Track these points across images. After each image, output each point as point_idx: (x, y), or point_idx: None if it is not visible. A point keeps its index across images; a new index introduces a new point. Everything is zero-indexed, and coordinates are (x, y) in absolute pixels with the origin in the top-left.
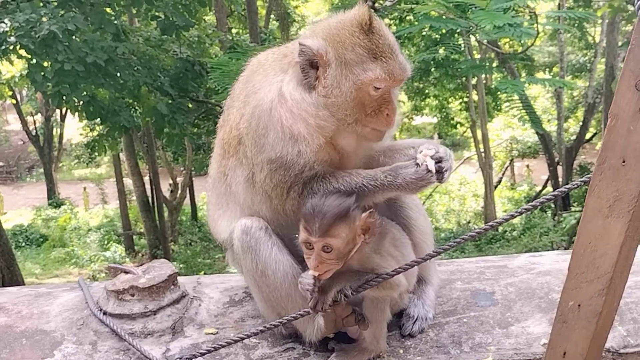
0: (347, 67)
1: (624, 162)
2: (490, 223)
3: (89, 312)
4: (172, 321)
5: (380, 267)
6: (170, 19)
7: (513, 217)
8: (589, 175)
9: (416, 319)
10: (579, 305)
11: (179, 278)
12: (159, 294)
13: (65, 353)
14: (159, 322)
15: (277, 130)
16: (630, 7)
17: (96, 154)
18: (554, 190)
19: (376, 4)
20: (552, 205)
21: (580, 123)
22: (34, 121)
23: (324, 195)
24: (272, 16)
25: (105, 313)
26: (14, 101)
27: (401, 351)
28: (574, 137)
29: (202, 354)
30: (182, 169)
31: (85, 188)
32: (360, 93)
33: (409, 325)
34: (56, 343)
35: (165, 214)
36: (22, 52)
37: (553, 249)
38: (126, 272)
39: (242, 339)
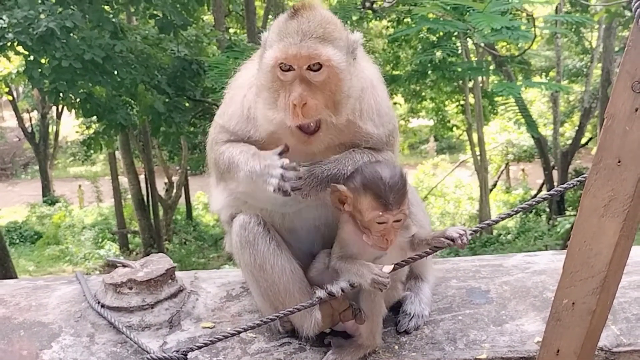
0: (265, 48)
1: (619, 162)
2: (486, 221)
3: (86, 304)
4: (170, 315)
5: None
6: (168, 17)
7: (510, 215)
8: (584, 175)
9: (412, 316)
10: (573, 304)
11: (176, 272)
12: (156, 288)
13: (63, 345)
14: (156, 316)
15: (237, 106)
16: (628, 13)
17: (92, 151)
18: (552, 196)
19: (374, 5)
20: (547, 210)
21: (576, 127)
22: (30, 118)
23: (374, 170)
24: (270, 16)
25: (103, 306)
26: (10, 98)
27: (396, 347)
28: (570, 141)
29: (199, 348)
30: (177, 168)
31: (80, 186)
32: (270, 76)
33: (405, 322)
34: (54, 335)
35: (160, 213)
36: (20, 48)
37: None
38: (124, 266)
39: (239, 332)
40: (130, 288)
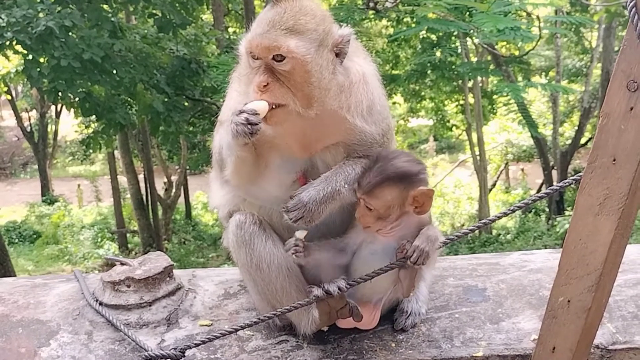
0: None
1: (614, 160)
2: (483, 220)
3: (84, 302)
4: (167, 312)
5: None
6: (168, 16)
7: (506, 214)
8: (580, 174)
9: (409, 313)
10: (569, 301)
11: (174, 270)
12: (154, 286)
13: (61, 342)
14: (154, 314)
15: (231, 98)
16: (627, 12)
17: (91, 151)
18: (547, 194)
19: (377, 5)
20: (546, 209)
21: (576, 127)
22: (29, 117)
23: (395, 153)
24: None
25: (101, 304)
26: (9, 97)
27: (393, 345)
28: (569, 141)
29: (197, 345)
30: (176, 167)
31: (79, 185)
32: (245, 63)
33: (401, 320)
34: (52, 332)
35: (159, 212)
36: (19, 47)
37: None
38: (122, 264)
39: (236, 330)
40: (129, 286)
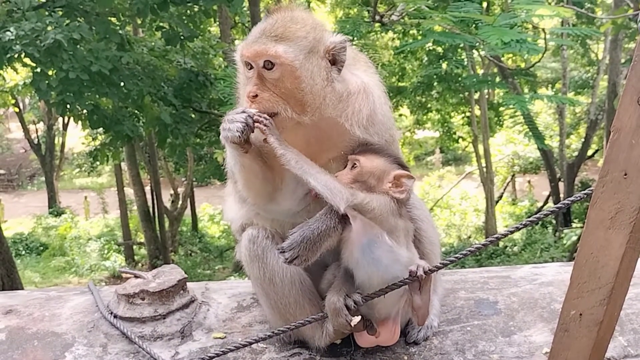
0: None
1: (625, 175)
2: (496, 235)
3: (99, 315)
4: (181, 325)
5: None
6: (175, 29)
7: (518, 229)
8: (591, 188)
9: (421, 326)
10: (581, 315)
11: (187, 283)
12: (168, 299)
13: (76, 355)
14: (168, 326)
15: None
16: (634, 25)
17: (98, 163)
18: (560, 209)
19: (384, 19)
20: (553, 221)
21: (582, 139)
22: (36, 129)
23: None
24: None
25: (115, 316)
26: (16, 109)
27: (406, 358)
28: (576, 153)
29: (211, 358)
30: (183, 179)
31: (86, 197)
32: (240, 72)
33: (414, 333)
34: (67, 345)
35: (166, 224)
36: (27, 60)
37: None
38: (137, 277)
39: (250, 343)
40: (143, 299)
